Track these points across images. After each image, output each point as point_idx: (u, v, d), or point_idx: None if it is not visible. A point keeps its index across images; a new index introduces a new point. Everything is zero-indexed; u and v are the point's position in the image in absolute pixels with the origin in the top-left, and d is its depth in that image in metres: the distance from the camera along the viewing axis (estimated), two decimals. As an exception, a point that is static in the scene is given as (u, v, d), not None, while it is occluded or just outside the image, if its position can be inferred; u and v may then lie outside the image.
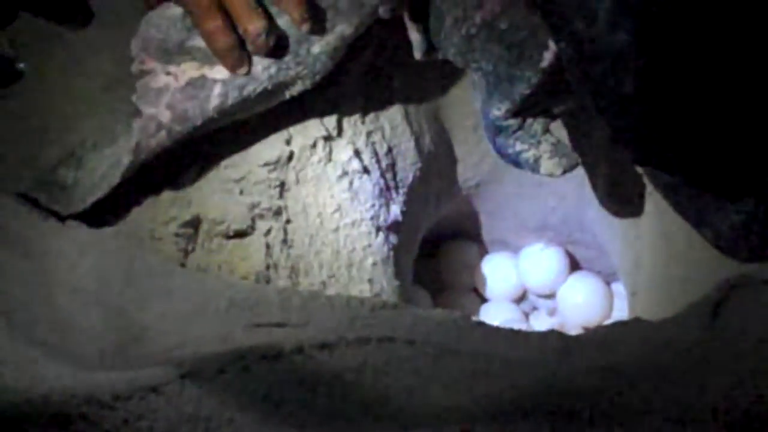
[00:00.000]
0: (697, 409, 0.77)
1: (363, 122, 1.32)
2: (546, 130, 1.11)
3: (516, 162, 1.12)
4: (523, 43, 1.04)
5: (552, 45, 1.02)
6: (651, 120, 0.96)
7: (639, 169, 1.29)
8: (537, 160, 1.11)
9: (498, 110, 1.08)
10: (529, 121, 1.09)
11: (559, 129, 1.18)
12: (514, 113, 1.09)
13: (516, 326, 1.57)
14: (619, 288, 1.67)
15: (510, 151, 1.11)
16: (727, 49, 0.94)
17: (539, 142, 1.10)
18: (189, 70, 1.16)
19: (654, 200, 1.31)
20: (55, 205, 1.14)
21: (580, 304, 1.67)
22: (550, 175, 1.12)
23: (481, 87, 1.09)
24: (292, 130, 1.24)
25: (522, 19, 1.04)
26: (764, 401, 0.77)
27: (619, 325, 1.03)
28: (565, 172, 1.12)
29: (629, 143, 0.99)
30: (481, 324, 1.03)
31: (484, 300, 1.77)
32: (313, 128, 1.26)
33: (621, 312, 1.64)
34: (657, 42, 0.91)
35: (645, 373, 0.84)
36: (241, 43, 1.15)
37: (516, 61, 1.05)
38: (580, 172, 1.46)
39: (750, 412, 0.77)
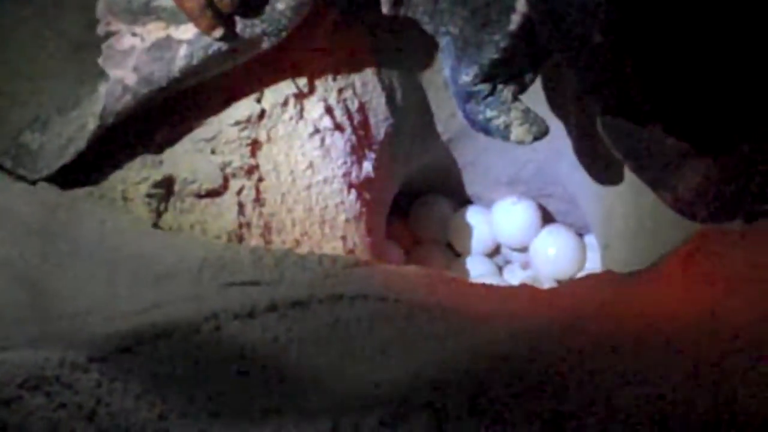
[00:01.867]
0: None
1: (334, 79, 1.32)
2: (516, 97, 1.10)
3: (486, 129, 1.12)
4: (489, 6, 1.03)
5: (518, 6, 1.01)
6: (619, 70, 0.96)
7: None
8: (507, 126, 1.10)
9: (467, 75, 1.08)
10: (500, 87, 1.09)
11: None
12: (483, 79, 1.08)
13: (489, 280, 1.60)
14: (591, 240, 1.68)
15: (480, 117, 1.11)
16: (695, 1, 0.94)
17: (509, 109, 1.10)
18: (155, 31, 1.15)
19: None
20: (21, 169, 1.13)
21: (553, 257, 1.68)
22: (521, 142, 1.11)
23: (449, 52, 1.08)
24: (262, 88, 1.24)
25: None
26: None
27: (589, 278, 1.03)
28: (535, 139, 1.12)
29: (598, 94, 0.99)
30: (454, 279, 1.03)
31: (457, 254, 1.77)
32: (283, 86, 1.25)
33: (594, 264, 1.65)
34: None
35: (603, 332, 0.85)
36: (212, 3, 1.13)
37: (482, 25, 1.04)
38: (553, 126, 1.46)
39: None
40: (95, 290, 0.96)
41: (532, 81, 1.12)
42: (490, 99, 1.09)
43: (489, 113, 1.10)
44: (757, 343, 0.79)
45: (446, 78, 1.10)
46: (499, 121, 1.10)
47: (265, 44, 1.19)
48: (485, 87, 1.08)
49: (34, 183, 1.13)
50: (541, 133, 1.12)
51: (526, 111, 1.11)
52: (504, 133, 1.11)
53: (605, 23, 0.92)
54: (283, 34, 1.18)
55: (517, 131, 1.11)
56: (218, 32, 1.13)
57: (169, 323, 0.85)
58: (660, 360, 0.80)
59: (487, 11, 1.04)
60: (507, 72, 1.08)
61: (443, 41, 1.09)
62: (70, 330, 0.90)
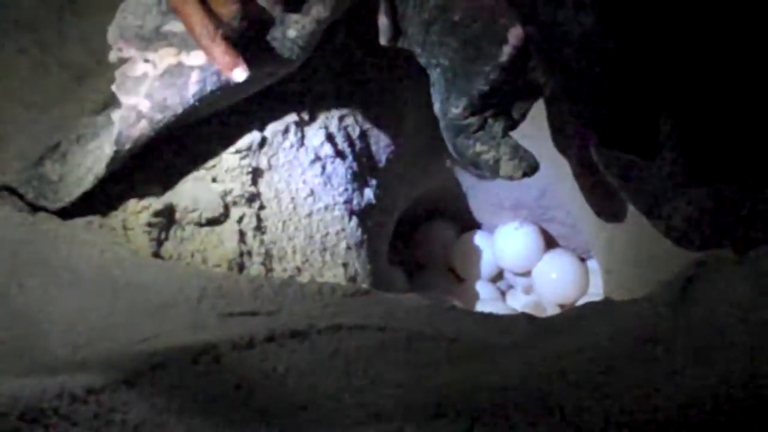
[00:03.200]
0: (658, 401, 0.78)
1: (336, 106, 1.32)
2: (506, 133, 1.09)
3: (475, 163, 1.10)
4: (479, 37, 1.03)
5: (511, 39, 1.01)
6: (617, 102, 0.96)
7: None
8: (497, 162, 1.09)
9: (456, 108, 1.06)
10: (490, 122, 1.07)
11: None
12: (473, 111, 1.07)
13: (492, 306, 1.60)
14: (594, 265, 1.68)
15: (469, 152, 1.09)
16: (691, 31, 0.94)
17: (499, 144, 1.08)
18: (167, 57, 1.16)
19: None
20: (42, 200, 1.14)
21: (556, 282, 1.68)
22: (510, 178, 1.10)
23: (439, 85, 1.07)
24: (263, 115, 1.25)
25: (475, 11, 1.03)
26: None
27: (589, 306, 1.03)
28: (525, 175, 1.10)
29: (595, 125, 0.99)
30: (453, 308, 1.03)
31: (460, 279, 1.77)
32: (285, 113, 1.26)
33: (597, 288, 1.64)
34: (622, 24, 0.91)
35: (610, 357, 0.85)
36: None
37: (473, 56, 1.03)
38: (555, 151, 1.46)
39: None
40: (94, 320, 0.96)
41: (524, 117, 1.10)
42: (479, 133, 1.08)
43: (478, 148, 1.09)
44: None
45: (436, 112, 1.09)
46: (488, 156, 1.09)
47: (279, 74, 1.19)
48: (475, 121, 1.07)
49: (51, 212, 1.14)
50: (531, 168, 1.10)
51: (516, 147, 1.09)
52: (493, 169, 1.09)
53: (601, 55, 0.93)
54: (296, 63, 1.19)
55: (506, 167, 1.09)
56: (241, 74, 1.10)
57: (167, 354, 0.85)
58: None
59: (477, 43, 1.03)
60: (497, 105, 1.07)
61: (434, 74, 1.08)
62: (69, 361, 0.90)
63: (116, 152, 1.13)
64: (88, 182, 1.14)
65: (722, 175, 1.02)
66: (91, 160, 1.14)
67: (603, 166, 1.09)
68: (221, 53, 1.09)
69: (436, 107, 1.09)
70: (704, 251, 1.05)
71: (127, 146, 1.14)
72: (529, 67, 1.02)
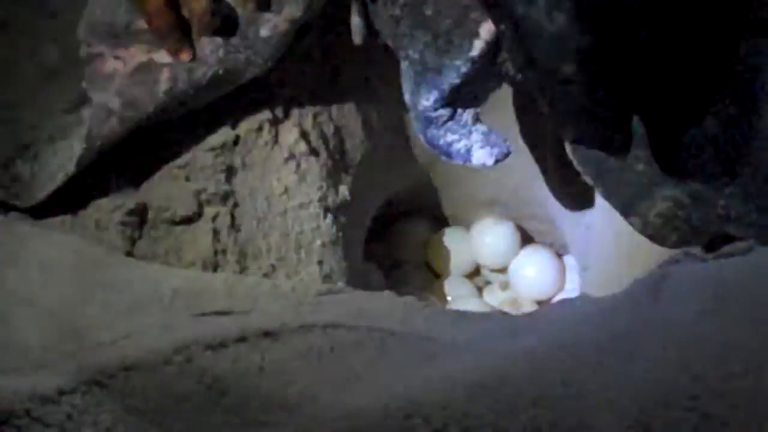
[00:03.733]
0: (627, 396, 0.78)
1: (310, 104, 1.32)
2: (477, 119, 1.09)
3: (447, 153, 1.10)
4: (450, 31, 1.02)
5: (482, 33, 1.01)
6: (589, 101, 0.96)
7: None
8: (468, 150, 1.08)
9: (427, 101, 1.06)
10: (459, 111, 1.08)
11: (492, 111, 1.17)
12: (443, 104, 1.07)
13: (469, 303, 1.60)
14: (571, 260, 1.68)
15: (441, 142, 1.09)
16: (664, 30, 0.94)
17: (470, 132, 1.08)
18: (137, 54, 1.15)
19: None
20: (14, 199, 1.13)
21: (532, 278, 1.68)
22: (483, 165, 1.10)
23: (409, 77, 1.07)
24: (237, 113, 1.24)
25: (447, 7, 1.03)
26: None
27: (564, 303, 1.03)
28: (497, 161, 1.10)
29: (568, 124, 0.99)
30: (428, 307, 1.03)
31: (437, 276, 1.77)
32: (258, 111, 1.25)
33: (574, 284, 1.65)
34: (596, 23, 0.91)
35: (585, 355, 0.84)
36: (184, 26, 1.13)
37: (444, 50, 1.03)
38: (530, 147, 1.47)
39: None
40: (66, 320, 0.95)
41: (486, 98, 1.11)
42: (450, 123, 1.08)
43: (450, 137, 1.09)
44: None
45: (407, 102, 1.09)
46: (460, 145, 1.09)
47: (249, 73, 1.19)
48: (445, 112, 1.07)
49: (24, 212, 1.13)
50: (503, 154, 1.09)
51: (487, 133, 1.09)
52: (466, 157, 1.09)
53: (576, 53, 0.93)
54: (269, 63, 1.18)
55: (478, 154, 1.09)
56: (185, 55, 1.13)
57: (140, 355, 0.85)
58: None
59: (449, 37, 1.03)
60: (467, 97, 1.07)
61: (403, 65, 1.08)
62: (41, 361, 0.89)
63: (86, 150, 1.13)
64: (58, 179, 1.13)
65: (697, 173, 1.02)
66: (62, 158, 1.13)
67: (578, 163, 1.09)
68: (174, 45, 1.11)
69: (407, 97, 1.09)
70: (679, 248, 1.05)
71: (98, 144, 1.13)
72: (499, 61, 1.02)
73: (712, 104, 0.99)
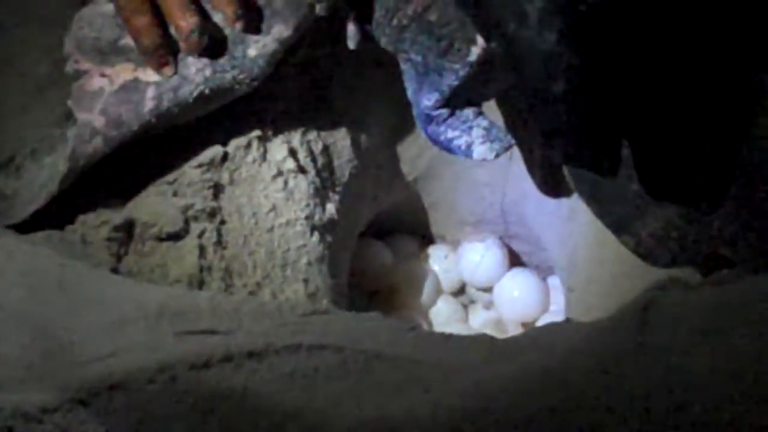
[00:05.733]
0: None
1: (299, 121, 1.32)
2: (478, 114, 1.10)
3: (448, 148, 1.12)
4: (452, 35, 1.05)
5: (480, 40, 1.02)
6: (579, 121, 0.97)
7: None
8: (469, 146, 1.11)
9: (428, 101, 1.09)
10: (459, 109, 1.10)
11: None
12: (444, 104, 1.09)
13: (454, 324, 1.60)
14: (556, 281, 1.68)
15: (442, 138, 1.11)
16: (655, 50, 0.94)
17: (471, 128, 1.10)
18: (123, 72, 1.14)
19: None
20: None
21: (517, 300, 1.68)
22: (483, 159, 1.12)
23: (410, 75, 1.10)
24: (226, 130, 1.24)
25: (451, 13, 1.04)
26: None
27: (550, 327, 1.03)
28: (498, 155, 1.12)
29: (558, 143, 0.99)
30: (414, 329, 1.03)
31: (422, 294, 1.76)
32: (247, 128, 1.25)
33: (558, 306, 1.65)
34: (586, 43, 0.92)
35: (572, 382, 0.84)
36: (170, 43, 1.13)
37: (445, 52, 1.05)
38: (519, 168, 1.47)
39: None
40: (51, 337, 0.95)
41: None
42: (450, 120, 1.10)
43: (450, 134, 1.11)
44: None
45: (409, 98, 1.11)
46: (461, 141, 1.11)
47: (236, 92, 1.18)
48: (446, 111, 1.10)
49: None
50: (504, 148, 1.11)
51: (488, 128, 1.11)
52: (467, 152, 1.11)
53: (566, 72, 0.93)
54: (255, 83, 1.18)
55: (479, 149, 1.11)
56: (168, 71, 1.13)
57: (123, 374, 0.84)
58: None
59: (450, 41, 1.05)
60: (465, 99, 1.09)
61: (405, 65, 1.10)
62: (25, 379, 0.89)
63: (69, 170, 1.12)
64: (41, 199, 1.13)
65: (691, 193, 1.02)
66: (46, 176, 1.12)
67: (571, 180, 1.10)
68: (158, 61, 1.11)
69: (409, 94, 1.11)
70: (671, 269, 1.05)
71: (81, 163, 1.13)
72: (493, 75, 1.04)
73: (706, 123, 1.00)
